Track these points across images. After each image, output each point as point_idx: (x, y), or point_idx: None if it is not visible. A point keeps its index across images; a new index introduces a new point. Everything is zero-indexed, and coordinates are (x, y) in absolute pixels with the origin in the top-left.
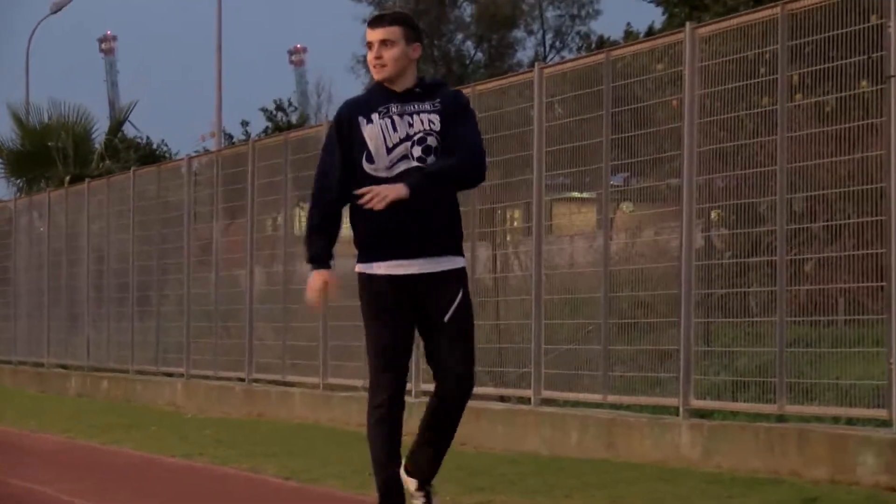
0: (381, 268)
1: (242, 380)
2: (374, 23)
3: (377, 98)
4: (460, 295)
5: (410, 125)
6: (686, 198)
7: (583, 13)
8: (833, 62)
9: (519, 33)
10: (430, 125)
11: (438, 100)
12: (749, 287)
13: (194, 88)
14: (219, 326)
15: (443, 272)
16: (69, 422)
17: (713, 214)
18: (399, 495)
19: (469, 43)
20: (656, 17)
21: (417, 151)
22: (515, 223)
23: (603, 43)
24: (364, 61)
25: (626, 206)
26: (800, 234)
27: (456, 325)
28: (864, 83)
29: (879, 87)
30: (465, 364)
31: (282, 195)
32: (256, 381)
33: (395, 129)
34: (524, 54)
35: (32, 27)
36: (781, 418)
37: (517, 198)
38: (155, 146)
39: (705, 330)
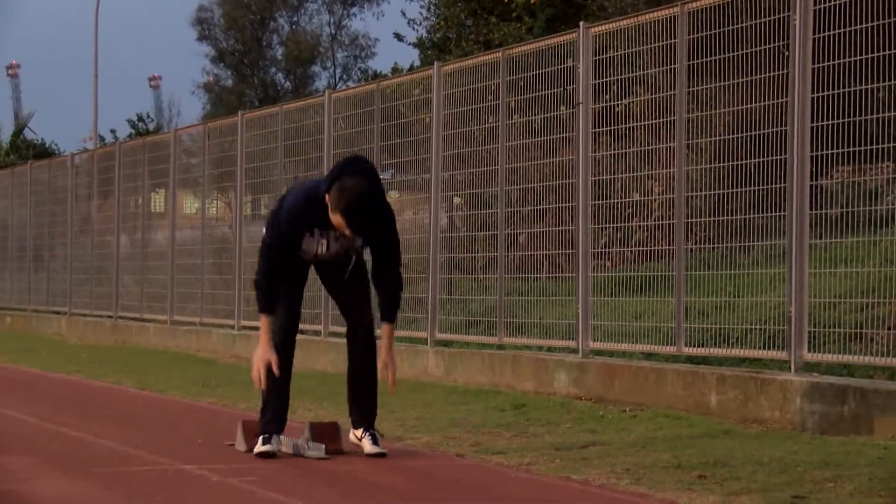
0: None
1: (111, 316)
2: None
3: (319, 220)
4: (353, 259)
5: (339, 245)
6: (434, 188)
7: (363, 54)
8: (540, 92)
9: (316, 68)
10: (354, 243)
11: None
12: (478, 253)
13: (79, 103)
14: (94, 277)
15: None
16: None
17: (455, 200)
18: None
19: (280, 74)
20: (415, 57)
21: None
22: None
23: (376, 75)
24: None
25: (392, 194)
26: (515, 215)
27: (352, 282)
28: (562, 108)
29: (572, 110)
30: (363, 314)
31: (141, 183)
32: (121, 317)
33: (328, 248)
34: (320, 83)
35: None
36: (501, 347)
37: None
38: (48, 145)
39: (448, 283)
